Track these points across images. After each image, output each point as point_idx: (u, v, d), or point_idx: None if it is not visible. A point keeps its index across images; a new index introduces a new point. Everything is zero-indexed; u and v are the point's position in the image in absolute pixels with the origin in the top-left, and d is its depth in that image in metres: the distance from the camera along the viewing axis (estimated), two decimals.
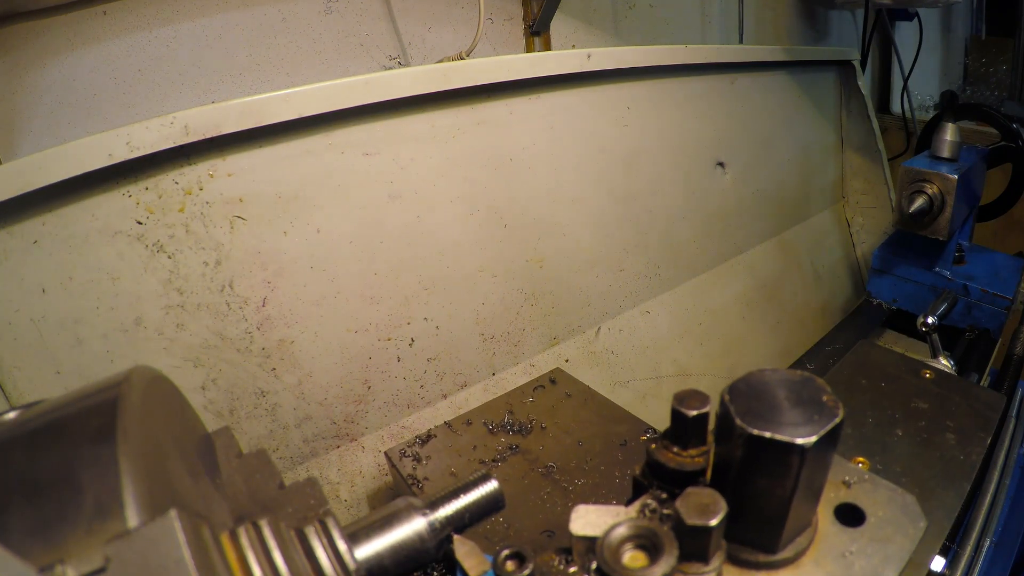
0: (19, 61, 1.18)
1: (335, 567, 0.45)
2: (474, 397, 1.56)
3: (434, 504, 0.58)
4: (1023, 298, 1.90)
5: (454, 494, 0.59)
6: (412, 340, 1.46)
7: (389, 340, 1.43)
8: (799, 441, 0.49)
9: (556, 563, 0.56)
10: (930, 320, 1.61)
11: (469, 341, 1.56)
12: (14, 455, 0.38)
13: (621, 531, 0.48)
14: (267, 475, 0.53)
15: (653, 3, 2.19)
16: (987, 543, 1.11)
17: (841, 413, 0.51)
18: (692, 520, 0.49)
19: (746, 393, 0.53)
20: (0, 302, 1.01)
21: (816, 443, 0.49)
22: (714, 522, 0.48)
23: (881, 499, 0.61)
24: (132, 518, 0.33)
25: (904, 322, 2.13)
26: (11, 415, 0.43)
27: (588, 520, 0.54)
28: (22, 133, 1.21)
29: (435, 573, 0.96)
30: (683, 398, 0.57)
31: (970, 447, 1.03)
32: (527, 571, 0.54)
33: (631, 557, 0.47)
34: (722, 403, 0.53)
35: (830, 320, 2.61)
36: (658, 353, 1.95)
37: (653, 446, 0.59)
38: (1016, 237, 2.76)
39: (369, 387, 1.41)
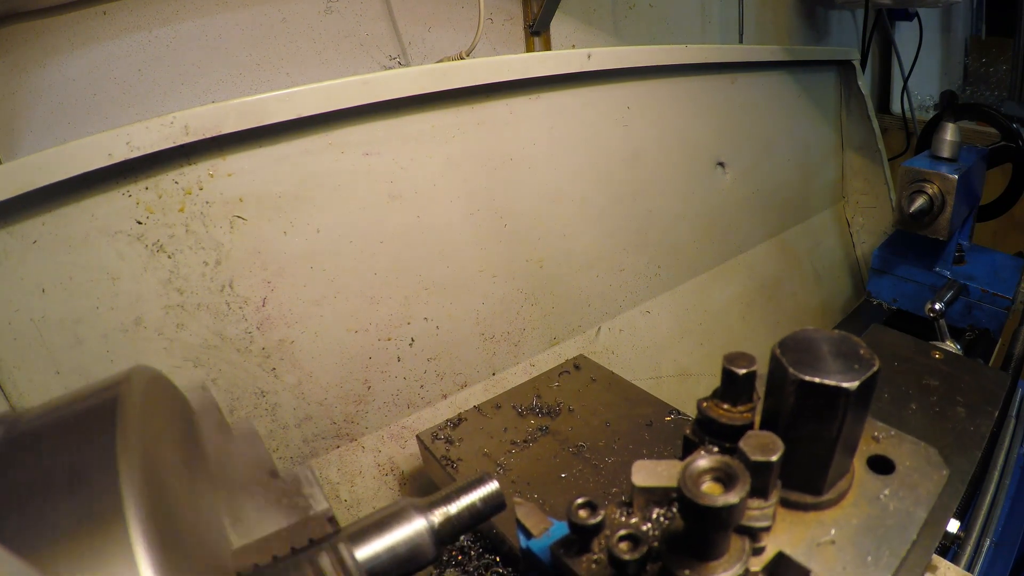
0: (19, 61, 1.18)
1: None
2: (474, 397, 1.56)
3: (435, 504, 0.58)
4: (1023, 298, 1.90)
5: (455, 494, 0.59)
6: (412, 340, 1.46)
7: (389, 340, 1.43)
8: (845, 385, 0.55)
9: (618, 515, 0.61)
10: (937, 306, 1.65)
11: (469, 341, 1.56)
12: (11, 457, 0.38)
13: (701, 463, 0.51)
14: (257, 460, 0.53)
15: (653, 3, 2.18)
16: (987, 543, 1.11)
17: (877, 363, 0.57)
18: (755, 456, 0.53)
19: (794, 348, 0.59)
20: (0, 302, 1.01)
21: (859, 387, 0.55)
22: (774, 457, 0.53)
23: (907, 451, 0.68)
24: (133, 529, 0.33)
25: (904, 322, 2.13)
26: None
27: (647, 473, 0.60)
28: (22, 133, 1.21)
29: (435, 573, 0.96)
30: (733, 358, 0.62)
31: (979, 419, 1.09)
32: (599, 518, 0.59)
33: (708, 487, 0.50)
34: (773, 356, 0.59)
35: (830, 320, 2.61)
36: (658, 353, 1.95)
37: (704, 404, 0.64)
38: (1016, 237, 2.76)
39: (369, 387, 1.41)
